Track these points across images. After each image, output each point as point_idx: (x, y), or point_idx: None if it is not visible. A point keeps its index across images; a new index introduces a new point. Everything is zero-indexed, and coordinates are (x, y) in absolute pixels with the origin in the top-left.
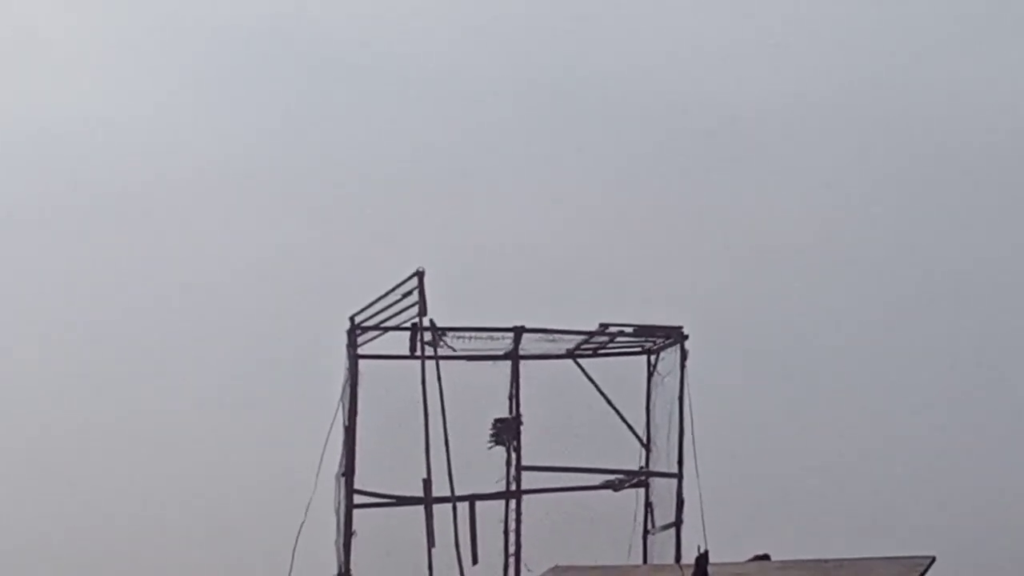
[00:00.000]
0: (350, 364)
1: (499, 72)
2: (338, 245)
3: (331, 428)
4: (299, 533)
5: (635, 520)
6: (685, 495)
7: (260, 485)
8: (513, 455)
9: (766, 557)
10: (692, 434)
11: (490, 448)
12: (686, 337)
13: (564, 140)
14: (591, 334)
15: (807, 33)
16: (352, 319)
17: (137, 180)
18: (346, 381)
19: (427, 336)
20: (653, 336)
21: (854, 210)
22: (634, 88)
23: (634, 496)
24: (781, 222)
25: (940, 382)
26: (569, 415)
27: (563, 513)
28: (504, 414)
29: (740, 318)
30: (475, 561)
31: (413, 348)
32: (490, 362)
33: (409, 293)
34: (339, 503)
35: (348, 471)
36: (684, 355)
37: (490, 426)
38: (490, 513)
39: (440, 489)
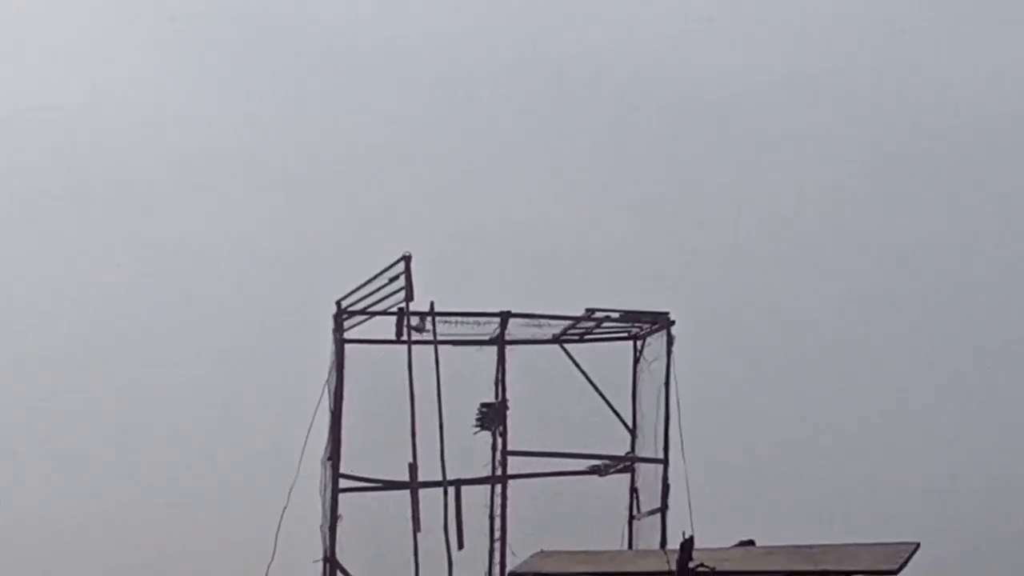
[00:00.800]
0: (336, 349)
1: (486, 58)
2: (325, 230)
3: (315, 412)
4: (282, 517)
5: (621, 505)
6: (671, 481)
7: (245, 469)
8: (499, 440)
9: (751, 543)
10: (678, 420)
11: (476, 433)
12: (672, 323)
13: (551, 125)
14: (578, 319)
15: (797, 18)
16: (339, 304)
17: (126, 164)
18: (332, 365)
19: (414, 321)
20: (639, 322)
21: (842, 195)
22: (621, 74)
23: (620, 481)
24: (768, 209)
25: (925, 368)
26: (555, 400)
27: (549, 498)
28: (490, 399)
29: (726, 304)
30: (461, 546)
31: (400, 333)
32: (476, 347)
33: (396, 278)
34: (325, 487)
35: (334, 455)
36: (670, 341)
37: (476, 411)
38: (476, 498)
39: (426, 473)
